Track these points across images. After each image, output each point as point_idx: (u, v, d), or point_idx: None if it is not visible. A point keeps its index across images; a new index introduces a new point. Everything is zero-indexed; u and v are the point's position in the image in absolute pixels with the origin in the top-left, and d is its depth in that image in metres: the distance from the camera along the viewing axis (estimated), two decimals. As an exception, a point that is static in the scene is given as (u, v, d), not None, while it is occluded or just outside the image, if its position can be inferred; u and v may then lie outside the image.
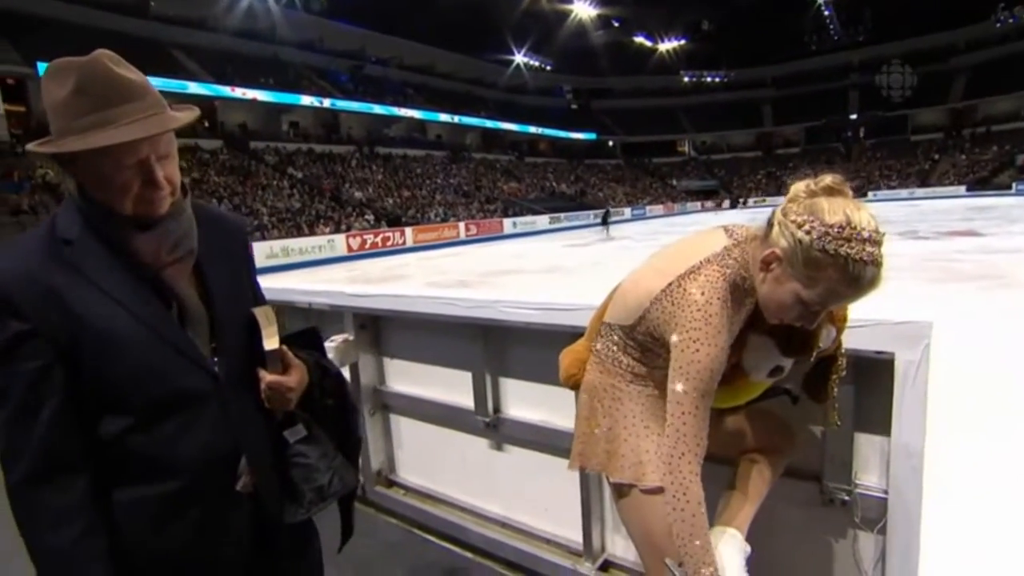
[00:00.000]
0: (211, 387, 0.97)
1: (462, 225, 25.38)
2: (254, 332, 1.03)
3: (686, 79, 54.20)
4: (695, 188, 49.34)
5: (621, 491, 1.27)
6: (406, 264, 16.34)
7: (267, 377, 1.01)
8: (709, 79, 54.28)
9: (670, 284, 1.12)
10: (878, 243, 0.96)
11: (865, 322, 1.27)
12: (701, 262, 1.12)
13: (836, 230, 0.95)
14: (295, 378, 1.04)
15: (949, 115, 44.00)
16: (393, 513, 2.55)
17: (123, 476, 0.91)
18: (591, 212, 34.73)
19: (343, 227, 21.74)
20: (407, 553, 2.30)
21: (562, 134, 47.72)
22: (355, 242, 20.16)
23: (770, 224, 1.06)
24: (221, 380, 0.98)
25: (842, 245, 0.94)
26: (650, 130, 51.99)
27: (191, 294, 0.98)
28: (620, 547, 1.94)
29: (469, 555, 2.22)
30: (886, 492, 1.34)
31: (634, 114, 52.43)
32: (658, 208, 40.04)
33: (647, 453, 1.24)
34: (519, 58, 46.82)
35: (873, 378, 1.34)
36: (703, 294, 1.07)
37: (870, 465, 1.42)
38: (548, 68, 50.38)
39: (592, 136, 50.39)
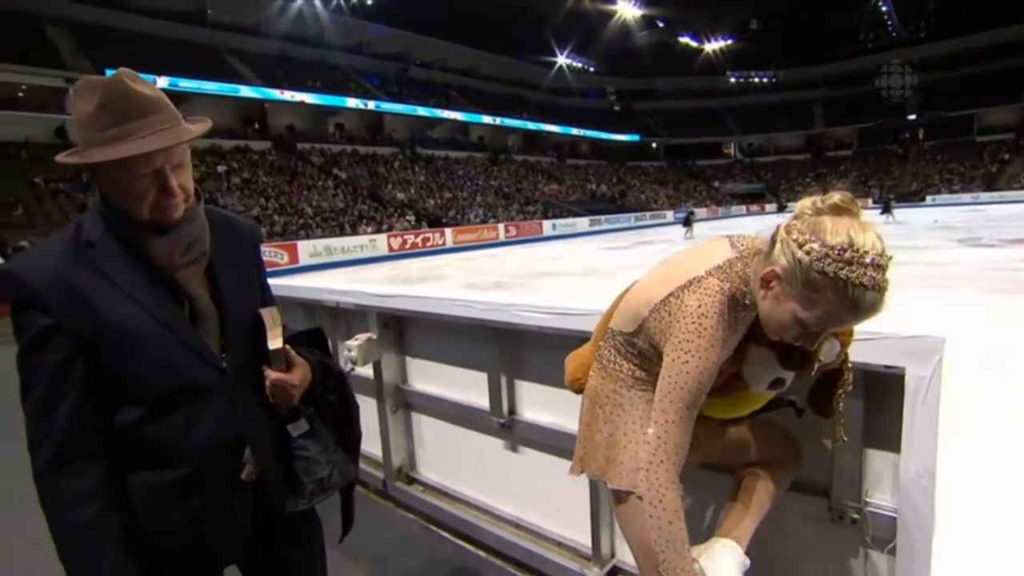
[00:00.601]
0: (219, 381, 1.03)
1: (501, 227, 25.52)
2: (260, 331, 1.09)
3: (733, 80, 52.80)
4: (740, 191, 48.02)
5: (619, 497, 1.28)
6: (445, 264, 16.55)
7: (271, 374, 1.07)
8: (757, 79, 52.70)
9: (670, 294, 1.12)
10: (882, 267, 0.93)
11: (874, 335, 1.23)
12: (703, 274, 1.11)
13: (837, 252, 0.93)
14: (298, 376, 1.10)
15: (1023, 114, 41.26)
16: (412, 509, 2.61)
17: (136, 462, 0.99)
18: (632, 215, 34.35)
19: (384, 227, 22.23)
20: (422, 549, 2.35)
21: (604, 136, 47.34)
22: (396, 242, 20.58)
23: (773, 240, 1.05)
24: (228, 375, 1.04)
25: (842, 268, 0.92)
26: (694, 132, 50.92)
27: (203, 294, 1.05)
28: (629, 553, 1.92)
29: (481, 553, 2.25)
30: (897, 512, 1.30)
31: (678, 115, 51.45)
32: (701, 211, 39.20)
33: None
34: (562, 60, 46.67)
35: (884, 393, 1.30)
36: (700, 307, 1.07)
37: (882, 483, 1.37)
38: (591, 69, 50.03)
39: (635, 138, 49.76)
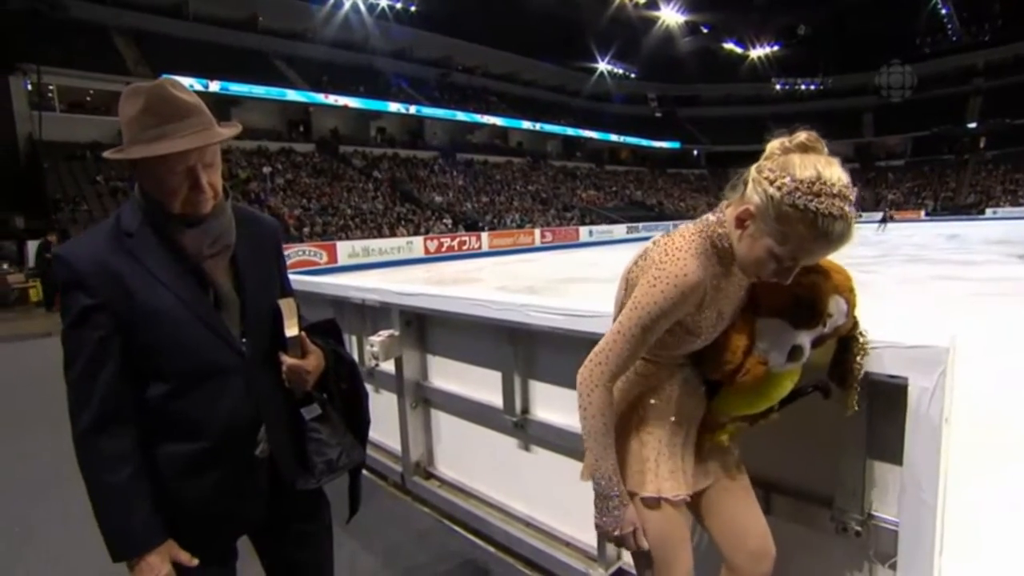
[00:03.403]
0: (238, 363, 1.12)
1: (538, 232, 25.59)
2: (278, 320, 1.17)
3: (778, 87, 51.43)
4: (784, 201, 46.65)
5: None
6: (480, 268, 16.70)
7: (287, 360, 1.15)
8: (804, 87, 51.16)
9: (647, 248, 1.18)
10: (848, 199, 0.96)
11: (877, 344, 1.22)
12: (679, 228, 1.17)
13: (806, 185, 0.96)
14: (312, 362, 1.18)
15: (1096, 122, 38.63)
16: (428, 503, 2.68)
17: (162, 434, 1.08)
18: (670, 222, 33.90)
19: (422, 230, 22.60)
20: (434, 542, 2.41)
21: (644, 142, 46.88)
22: (432, 245, 20.91)
23: (745, 182, 1.08)
24: (247, 358, 1.13)
25: (811, 200, 0.95)
26: (737, 139, 49.52)
27: (226, 283, 1.14)
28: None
29: (492, 549, 2.30)
30: (898, 525, 1.28)
31: (721, 123, 50.44)
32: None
33: (648, 462, 1.27)
34: (603, 66, 46.50)
35: (888, 403, 1.28)
36: (672, 241, 1.12)
37: (888, 496, 1.35)
38: (632, 76, 49.66)
39: (676, 145, 49.06)
